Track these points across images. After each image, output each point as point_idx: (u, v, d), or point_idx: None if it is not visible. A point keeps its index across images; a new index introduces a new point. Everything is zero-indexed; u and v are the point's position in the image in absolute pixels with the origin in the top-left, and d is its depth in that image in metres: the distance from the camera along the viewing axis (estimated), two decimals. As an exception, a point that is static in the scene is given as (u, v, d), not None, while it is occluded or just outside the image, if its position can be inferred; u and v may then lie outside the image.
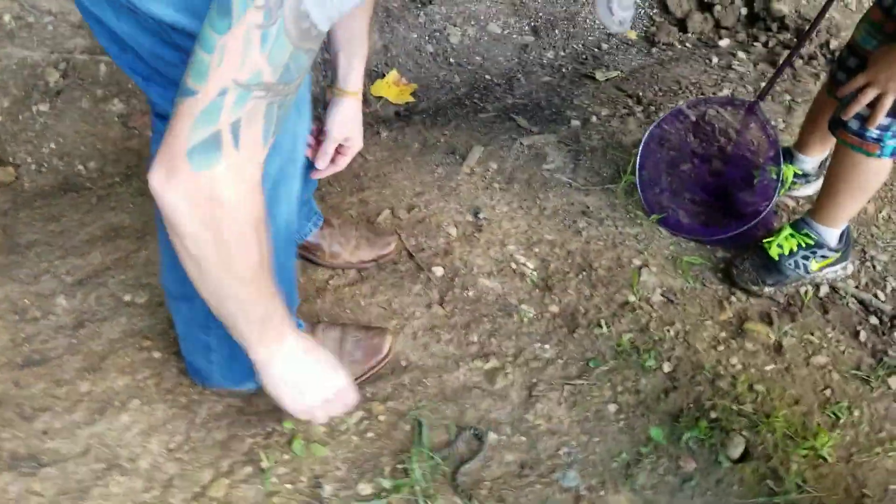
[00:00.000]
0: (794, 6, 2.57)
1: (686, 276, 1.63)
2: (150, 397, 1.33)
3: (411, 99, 2.22)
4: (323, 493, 1.21)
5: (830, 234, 1.56)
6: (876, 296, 1.61)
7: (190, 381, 1.35)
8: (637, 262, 1.66)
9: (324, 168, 1.36)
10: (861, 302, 1.60)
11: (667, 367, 1.46)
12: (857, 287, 1.63)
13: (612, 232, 1.73)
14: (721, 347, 1.50)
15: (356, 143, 1.37)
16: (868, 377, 1.47)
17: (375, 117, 2.14)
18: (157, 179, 0.76)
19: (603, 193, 1.83)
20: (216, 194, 0.76)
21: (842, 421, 1.39)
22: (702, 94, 2.21)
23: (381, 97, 2.19)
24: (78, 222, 1.69)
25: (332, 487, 1.22)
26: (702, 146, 1.93)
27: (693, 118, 1.93)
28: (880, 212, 1.82)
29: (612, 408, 1.39)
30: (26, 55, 2.02)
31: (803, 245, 1.57)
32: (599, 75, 2.34)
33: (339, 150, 1.38)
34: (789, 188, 1.80)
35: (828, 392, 1.44)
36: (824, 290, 1.62)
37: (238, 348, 1.22)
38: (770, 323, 1.55)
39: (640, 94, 2.24)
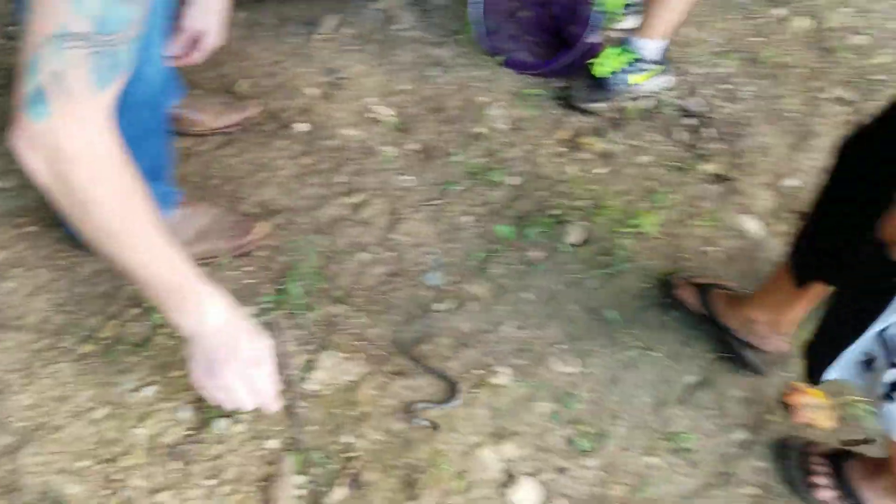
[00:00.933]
0: None
1: (528, 106, 1.80)
2: (30, 264, 1.39)
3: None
4: (210, 318, 1.33)
5: (650, 48, 1.75)
6: (691, 103, 1.84)
7: (69, 245, 1.42)
8: (485, 99, 1.81)
9: (173, 55, 1.35)
10: (679, 109, 1.82)
11: (513, 181, 1.64)
12: (675, 98, 1.85)
13: (461, 77, 1.87)
14: (559, 160, 1.70)
15: (212, 38, 1.35)
16: (684, 167, 1.70)
17: None
18: (8, 132, 0.79)
19: (453, 45, 1.95)
20: (57, 144, 0.78)
21: (664, 204, 1.62)
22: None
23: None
24: (-73, 125, 1.66)
25: (218, 313, 1.34)
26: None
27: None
28: (694, 35, 2.04)
29: (467, 219, 1.56)
30: None
31: (626, 62, 1.76)
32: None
33: (195, 45, 1.36)
34: (618, 21, 1.98)
35: (651, 183, 1.67)
36: (648, 102, 1.83)
37: None
38: (601, 135, 1.75)
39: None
